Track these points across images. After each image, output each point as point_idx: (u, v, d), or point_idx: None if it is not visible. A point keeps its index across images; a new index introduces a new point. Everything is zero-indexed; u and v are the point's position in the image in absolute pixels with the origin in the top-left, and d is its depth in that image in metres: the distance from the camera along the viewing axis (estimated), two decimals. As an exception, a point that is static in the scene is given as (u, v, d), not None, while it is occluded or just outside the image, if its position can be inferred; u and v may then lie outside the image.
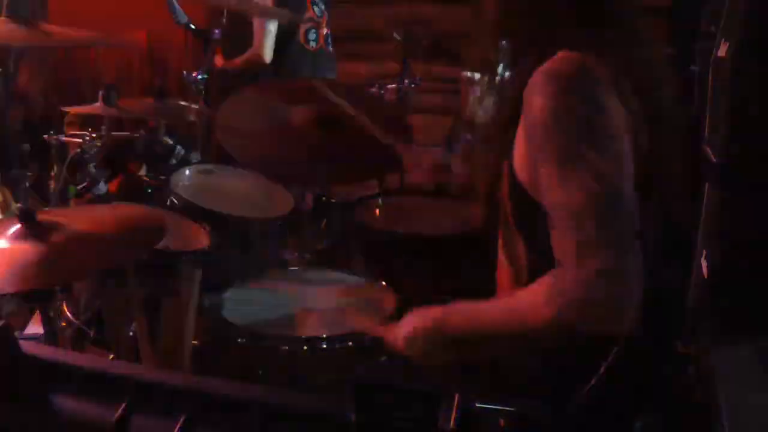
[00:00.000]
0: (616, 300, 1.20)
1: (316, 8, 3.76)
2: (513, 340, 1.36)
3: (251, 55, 3.57)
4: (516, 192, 1.35)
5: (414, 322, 1.42)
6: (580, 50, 1.28)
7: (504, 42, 1.40)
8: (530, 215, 1.33)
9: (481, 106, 1.49)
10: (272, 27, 3.59)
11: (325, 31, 3.84)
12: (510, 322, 1.30)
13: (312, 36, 3.77)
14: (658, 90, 1.37)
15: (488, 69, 1.45)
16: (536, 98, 1.25)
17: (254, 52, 3.57)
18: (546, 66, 1.27)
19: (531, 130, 1.27)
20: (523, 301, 1.29)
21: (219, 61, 3.64)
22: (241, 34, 3.60)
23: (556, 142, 1.23)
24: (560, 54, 1.28)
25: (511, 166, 1.35)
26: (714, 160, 2.17)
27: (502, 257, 1.53)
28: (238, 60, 3.71)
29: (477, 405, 0.72)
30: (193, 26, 3.33)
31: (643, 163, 1.28)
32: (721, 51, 2.18)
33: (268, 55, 3.61)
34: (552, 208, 1.25)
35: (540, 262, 1.39)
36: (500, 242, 1.52)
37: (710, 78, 2.33)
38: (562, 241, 1.23)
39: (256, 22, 3.57)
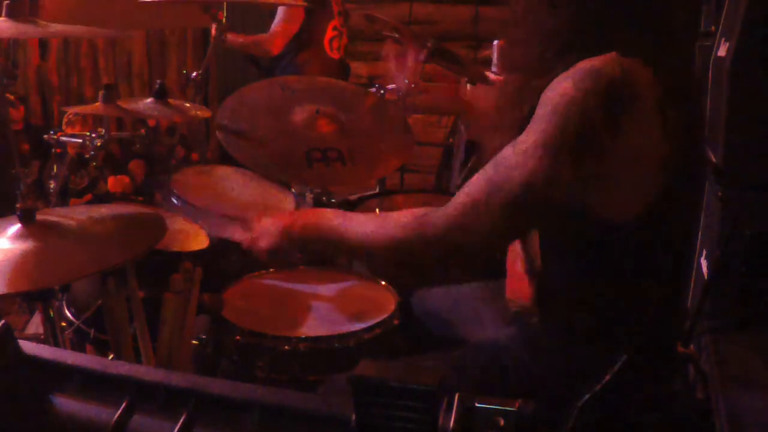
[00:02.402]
0: (447, 251, 1.27)
1: (341, 17, 3.80)
2: (369, 242, 1.40)
3: (261, 39, 3.57)
4: None
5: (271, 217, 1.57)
6: (635, 57, 1.23)
7: (543, 44, 1.36)
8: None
9: (508, 108, 1.47)
10: (292, 26, 3.61)
11: (345, 41, 3.88)
12: (370, 224, 1.39)
13: (336, 45, 3.80)
14: (696, 104, 1.35)
15: (522, 71, 1.42)
16: (566, 82, 1.21)
17: (266, 37, 3.56)
18: (592, 62, 1.22)
19: (542, 102, 1.24)
20: (393, 218, 1.35)
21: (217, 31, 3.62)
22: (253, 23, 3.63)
23: (551, 126, 1.20)
24: (611, 54, 1.22)
25: None
26: (714, 160, 2.17)
27: (511, 256, 1.53)
28: (246, 38, 3.70)
29: (477, 405, 0.72)
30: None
31: (665, 184, 1.27)
32: (721, 51, 2.18)
33: (277, 47, 3.62)
34: (495, 158, 1.26)
35: (552, 253, 1.39)
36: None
37: (710, 78, 2.33)
38: (468, 183, 1.27)
39: (279, 13, 3.59)
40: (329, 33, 3.78)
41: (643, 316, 1.27)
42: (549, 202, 1.23)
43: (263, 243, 1.60)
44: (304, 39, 3.71)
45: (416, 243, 1.30)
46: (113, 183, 2.26)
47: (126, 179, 2.32)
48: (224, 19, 3.00)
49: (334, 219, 1.48)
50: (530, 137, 1.22)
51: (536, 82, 1.36)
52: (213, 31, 3.30)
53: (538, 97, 1.32)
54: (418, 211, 1.34)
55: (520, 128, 1.36)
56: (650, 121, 1.22)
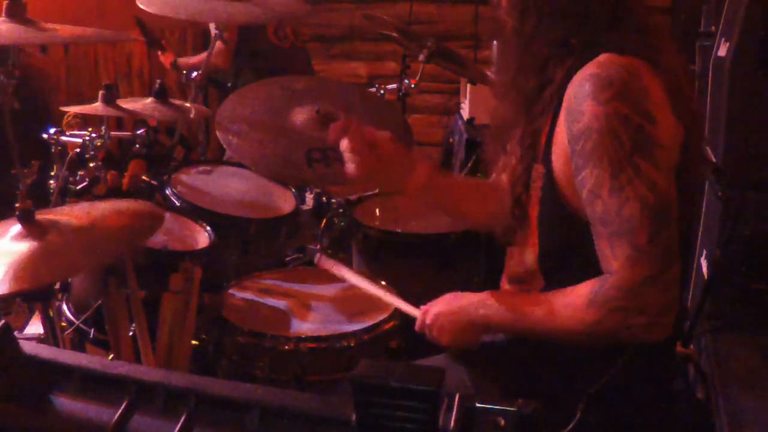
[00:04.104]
0: (660, 308, 1.21)
1: None
2: (548, 339, 1.35)
3: (209, 57, 3.54)
4: (550, 195, 1.34)
5: (446, 308, 1.45)
6: (629, 54, 1.25)
7: (534, 44, 1.37)
8: (561, 220, 1.33)
9: (503, 108, 1.47)
10: (231, 34, 3.58)
11: (289, 28, 3.83)
12: (548, 323, 1.30)
13: (281, 34, 3.77)
14: (692, 99, 1.36)
15: (514, 72, 1.42)
16: (587, 103, 1.23)
17: (212, 53, 3.53)
18: (592, 69, 1.24)
19: (579, 134, 1.25)
20: (565, 304, 1.29)
21: (168, 58, 3.62)
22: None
23: (610, 150, 1.21)
24: (605, 57, 1.25)
25: (549, 170, 1.34)
26: (714, 159, 2.17)
27: (513, 258, 1.52)
28: (195, 59, 3.68)
29: (477, 405, 0.72)
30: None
31: (680, 171, 1.28)
32: (721, 51, 2.18)
33: (227, 59, 3.60)
34: (601, 216, 1.23)
35: (555, 266, 1.38)
36: (516, 242, 1.51)
37: (710, 78, 2.33)
38: (613, 246, 1.22)
39: (213, 27, 3.56)
40: (271, 25, 3.76)
41: None
42: (672, 205, 1.22)
43: (445, 339, 1.45)
44: (250, 36, 3.68)
45: (607, 325, 1.24)
46: (112, 180, 2.25)
47: (126, 179, 2.31)
48: None
49: (509, 311, 1.37)
50: (602, 174, 1.22)
51: (527, 82, 1.37)
52: (213, 31, 3.30)
53: (530, 96, 1.33)
54: (582, 295, 1.26)
55: (535, 133, 1.37)
56: (665, 107, 1.25)
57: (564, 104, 1.28)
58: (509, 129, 1.45)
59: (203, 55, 3.60)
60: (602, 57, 1.25)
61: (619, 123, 1.21)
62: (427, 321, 1.47)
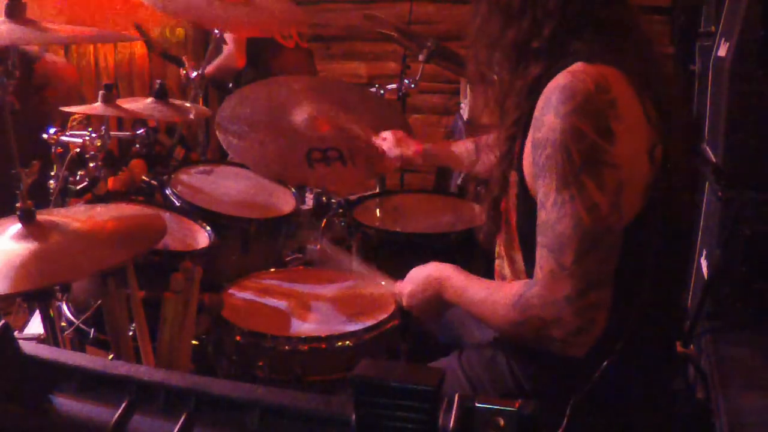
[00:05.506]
0: (577, 328, 1.22)
1: None
2: (485, 323, 1.42)
3: (223, 62, 3.54)
4: (524, 202, 1.35)
5: (415, 282, 1.61)
6: (600, 62, 1.25)
7: (508, 50, 1.37)
8: (535, 226, 1.33)
9: (484, 113, 1.49)
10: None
11: (293, 27, 3.84)
12: (484, 309, 1.38)
13: (286, 33, 3.77)
14: (673, 104, 1.36)
15: (488, 76, 1.43)
16: (548, 115, 1.24)
17: (226, 56, 3.53)
18: (562, 80, 1.24)
19: (537, 144, 1.26)
20: (497, 299, 1.35)
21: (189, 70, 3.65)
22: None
23: (560, 164, 1.22)
24: (577, 66, 1.25)
25: (521, 177, 1.34)
26: (714, 160, 2.17)
27: (499, 263, 1.53)
28: (211, 67, 3.70)
29: (477, 405, 0.72)
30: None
31: (655, 177, 1.28)
32: (721, 51, 2.19)
33: (241, 59, 3.60)
34: (541, 225, 1.26)
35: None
36: (500, 248, 1.52)
37: (710, 78, 2.33)
38: (541, 257, 1.26)
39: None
40: None
41: (638, 317, 1.27)
42: (610, 230, 1.23)
43: (411, 302, 1.63)
44: (255, 40, 3.68)
45: (526, 329, 1.29)
46: (113, 183, 2.26)
47: (126, 179, 2.31)
48: None
49: (460, 296, 1.48)
50: (549, 186, 1.24)
51: (496, 87, 1.38)
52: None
53: (524, 111, 1.33)
54: (511, 294, 1.32)
55: (510, 140, 1.38)
56: (633, 116, 1.25)
57: (534, 113, 1.29)
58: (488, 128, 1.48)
59: (217, 62, 3.61)
60: (574, 66, 1.25)
61: (573, 138, 1.21)
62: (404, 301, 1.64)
